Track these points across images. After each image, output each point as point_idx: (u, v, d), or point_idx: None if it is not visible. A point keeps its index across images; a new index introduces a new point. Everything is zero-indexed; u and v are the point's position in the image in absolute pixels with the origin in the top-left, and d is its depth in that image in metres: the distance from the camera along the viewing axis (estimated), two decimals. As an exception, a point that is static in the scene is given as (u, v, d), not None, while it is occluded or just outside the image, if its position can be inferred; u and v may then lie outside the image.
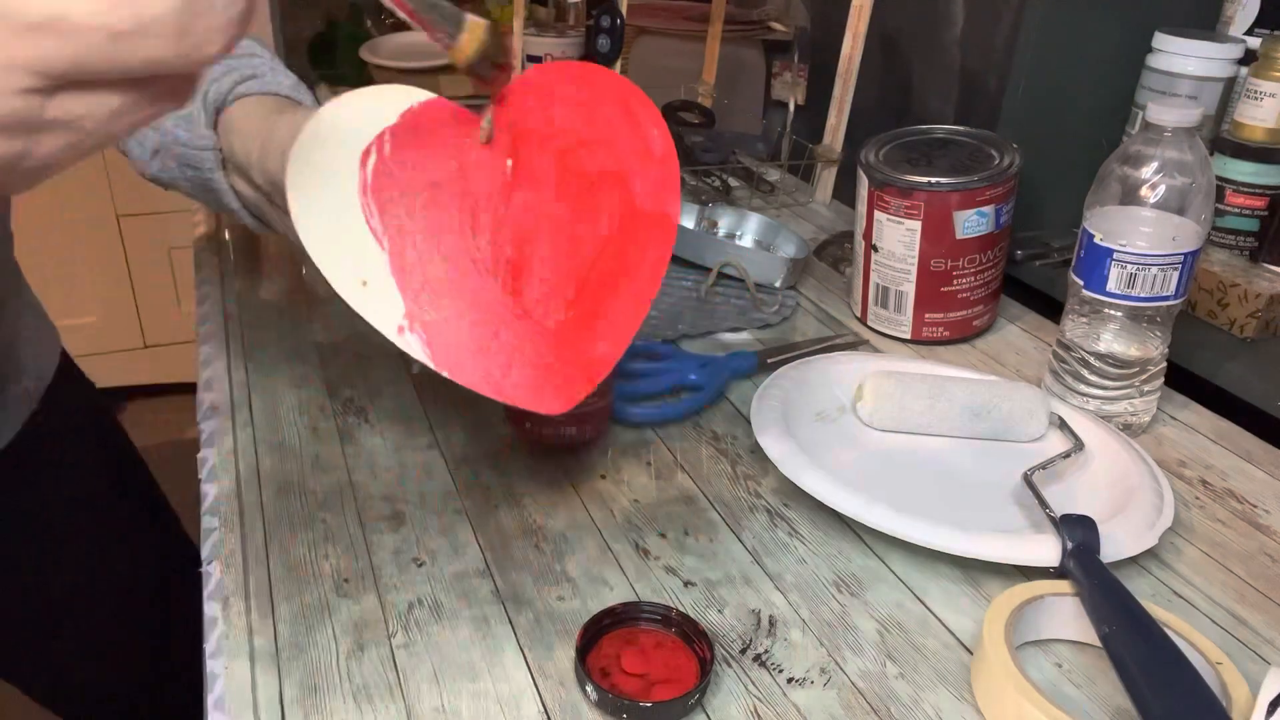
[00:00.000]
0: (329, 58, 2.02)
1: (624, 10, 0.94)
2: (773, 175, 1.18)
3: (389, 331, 0.46)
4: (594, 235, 0.49)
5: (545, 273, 0.48)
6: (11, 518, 0.72)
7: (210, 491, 0.60)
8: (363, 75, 1.98)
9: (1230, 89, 0.85)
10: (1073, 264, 0.68)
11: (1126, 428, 0.70)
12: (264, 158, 0.56)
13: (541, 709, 0.46)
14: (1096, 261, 0.66)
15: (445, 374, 0.46)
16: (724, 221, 1.00)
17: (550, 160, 0.50)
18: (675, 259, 0.94)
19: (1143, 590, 0.56)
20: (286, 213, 0.48)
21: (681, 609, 0.51)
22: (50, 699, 0.84)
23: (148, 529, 0.84)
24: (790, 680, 0.48)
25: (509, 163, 0.50)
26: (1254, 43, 0.84)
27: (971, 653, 0.50)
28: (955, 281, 0.80)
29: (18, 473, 0.71)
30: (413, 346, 0.46)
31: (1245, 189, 0.83)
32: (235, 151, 0.60)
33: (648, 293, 0.47)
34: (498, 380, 0.46)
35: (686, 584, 0.54)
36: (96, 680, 0.83)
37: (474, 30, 0.47)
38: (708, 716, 0.46)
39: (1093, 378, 0.69)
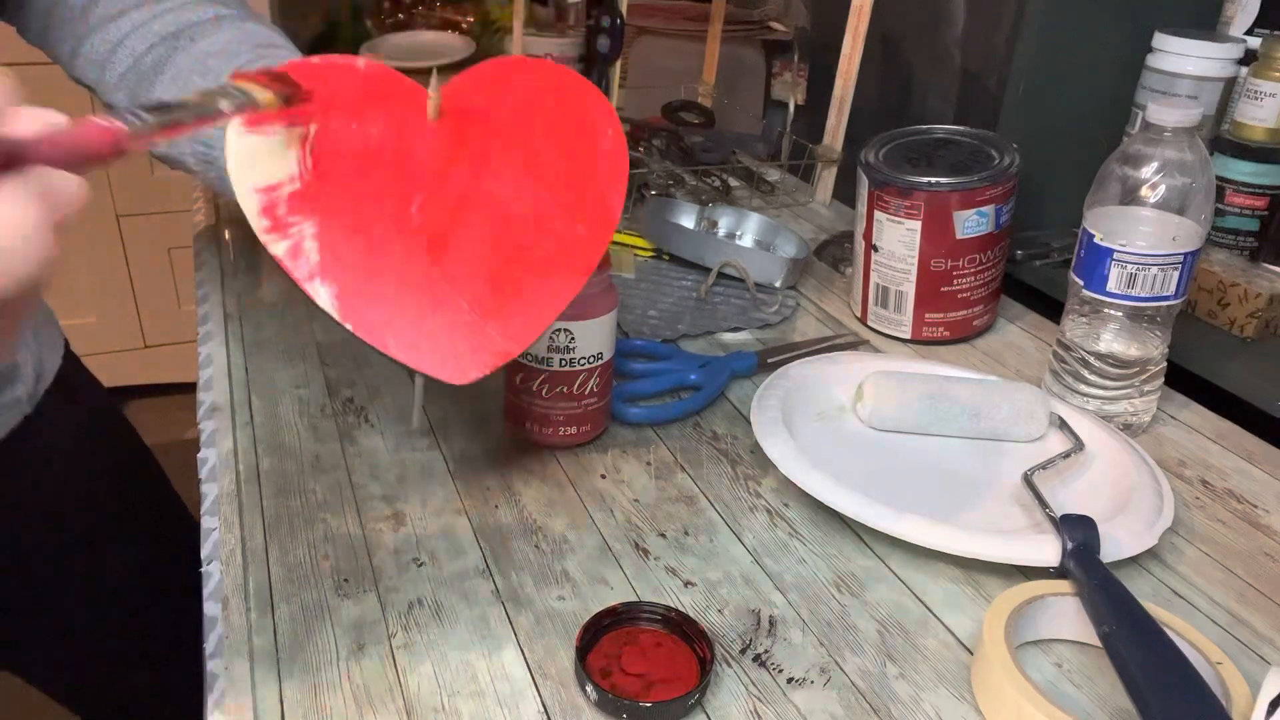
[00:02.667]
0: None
1: (624, 10, 0.94)
2: (773, 175, 1.18)
3: (300, 277, 0.46)
4: (527, 221, 0.49)
5: (472, 249, 0.47)
6: (17, 510, 0.72)
7: (210, 491, 0.60)
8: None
9: (1230, 89, 0.85)
10: (1073, 264, 0.68)
11: (1126, 428, 0.70)
12: None
13: (541, 709, 0.46)
14: (1096, 261, 0.66)
15: (349, 328, 0.46)
16: (724, 221, 1.00)
17: (495, 144, 0.50)
18: (675, 259, 0.94)
19: (1143, 590, 0.56)
20: None
21: (681, 609, 0.51)
22: (58, 692, 0.84)
23: (156, 524, 0.85)
24: (790, 680, 0.48)
25: (453, 141, 0.50)
26: (1254, 43, 0.84)
27: (971, 653, 0.50)
28: (955, 281, 0.80)
29: (21, 466, 0.71)
30: (320, 296, 0.46)
31: (1245, 189, 0.83)
32: None
33: (566, 292, 0.47)
34: (404, 342, 0.46)
35: (686, 584, 0.54)
36: (104, 673, 0.83)
37: (248, 85, 0.45)
38: (708, 716, 0.46)
39: (1093, 378, 0.69)
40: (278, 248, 0.46)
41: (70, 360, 0.78)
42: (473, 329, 0.46)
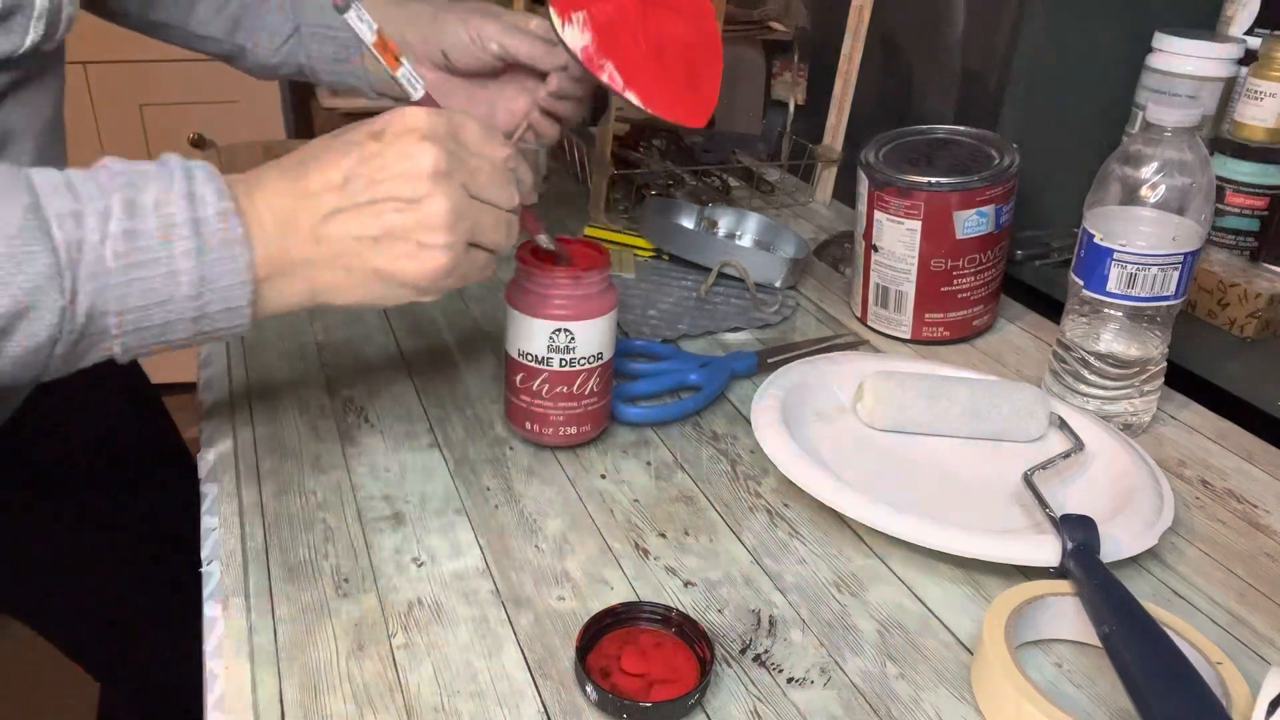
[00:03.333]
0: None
1: (624, 10, 0.94)
2: (773, 175, 1.18)
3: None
4: (689, 46, 0.69)
5: (674, 56, 0.67)
6: (41, 447, 0.72)
7: (210, 491, 0.60)
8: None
9: (1230, 89, 0.85)
10: (1073, 264, 0.68)
11: (1126, 428, 0.70)
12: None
13: (541, 709, 0.46)
14: (1096, 261, 0.66)
15: (631, 96, 0.64)
16: (724, 221, 1.00)
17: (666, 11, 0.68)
18: (675, 259, 0.94)
19: (1143, 590, 0.56)
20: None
21: (681, 609, 0.51)
22: (66, 644, 0.84)
23: (169, 470, 0.85)
24: (790, 680, 0.48)
25: None
26: (1254, 43, 0.84)
27: (971, 653, 0.50)
28: (955, 281, 0.80)
29: (42, 407, 0.71)
30: (606, 70, 0.63)
31: (1245, 189, 0.83)
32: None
33: (715, 80, 0.69)
34: (659, 102, 0.65)
35: (686, 584, 0.54)
36: (114, 629, 0.83)
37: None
38: (708, 716, 0.46)
39: (1093, 378, 0.69)
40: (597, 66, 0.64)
41: None
42: (685, 92, 0.67)
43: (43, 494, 0.74)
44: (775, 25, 1.35)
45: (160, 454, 0.86)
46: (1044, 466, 0.62)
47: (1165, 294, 0.65)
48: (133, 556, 0.81)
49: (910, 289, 0.81)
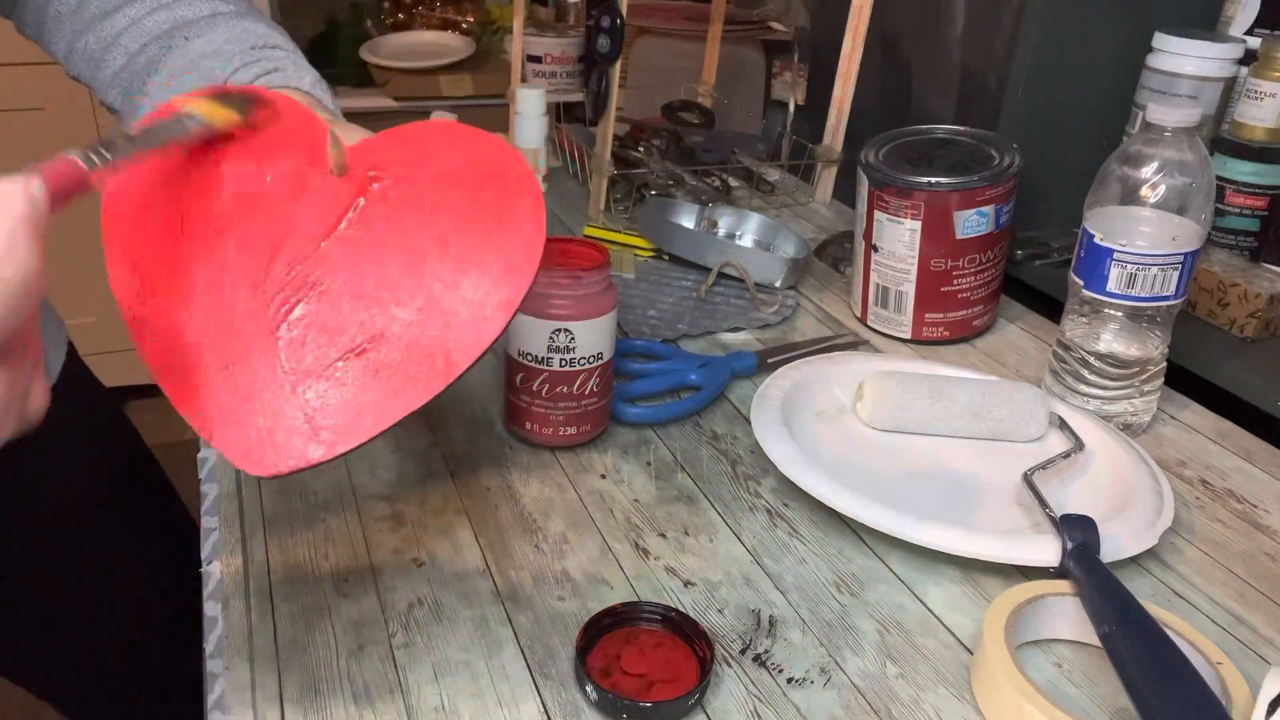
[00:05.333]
0: (329, 57, 2.03)
1: (624, 10, 0.94)
2: (773, 175, 1.18)
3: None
4: (390, 323, 0.43)
5: (323, 345, 0.43)
6: (14, 513, 0.72)
7: (210, 491, 0.60)
8: (363, 75, 1.98)
9: (1230, 89, 0.85)
10: (1073, 264, 0.68)
11: (1126, 428, 0.70)
12: None
13: (541, 709, 0.46)
14: (1096, 261, 0.66)
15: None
16: (724, 221, 1.00)
17: (393, 220, 0.46)
18: (675, 259, 0.94)
19: (1143, 590, 0.56)
20: None
21: (681, 609, 0.51)
22: (49, 693, 0.84)
23: (156, 525, 0.84)
24: (790, 680, 0.48)
25: (360, 201, 0.46)
26: (1254, 43, 0.84)
27: (971, 653, 0.50)
28: (955, 281, 0.80)
29: (20, 468, 0.71)
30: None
31: (1245, 189, 0.83)
32: None
33: (391, 415, 0.41)
34: (214, 416, 0.43)
35: (686, 584, 0.54)
36: (102, 678, 0.83)
37: (200, 104, 0.46)
38: (708, 716, 0.46)
39: (1093, 378, 0.69)
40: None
41: (74, 359, 0.78)
42: (296, 430, 0.42)
43: (24, 539, 0.74)
44: (775, 25, 1.35)
45: (150, 506, 0.85)
46: (1044, 466, 0.62)
47: (1165, 294, 0.65)
48: (120, 605, 0.81)
49: (910, 289, 0.81)
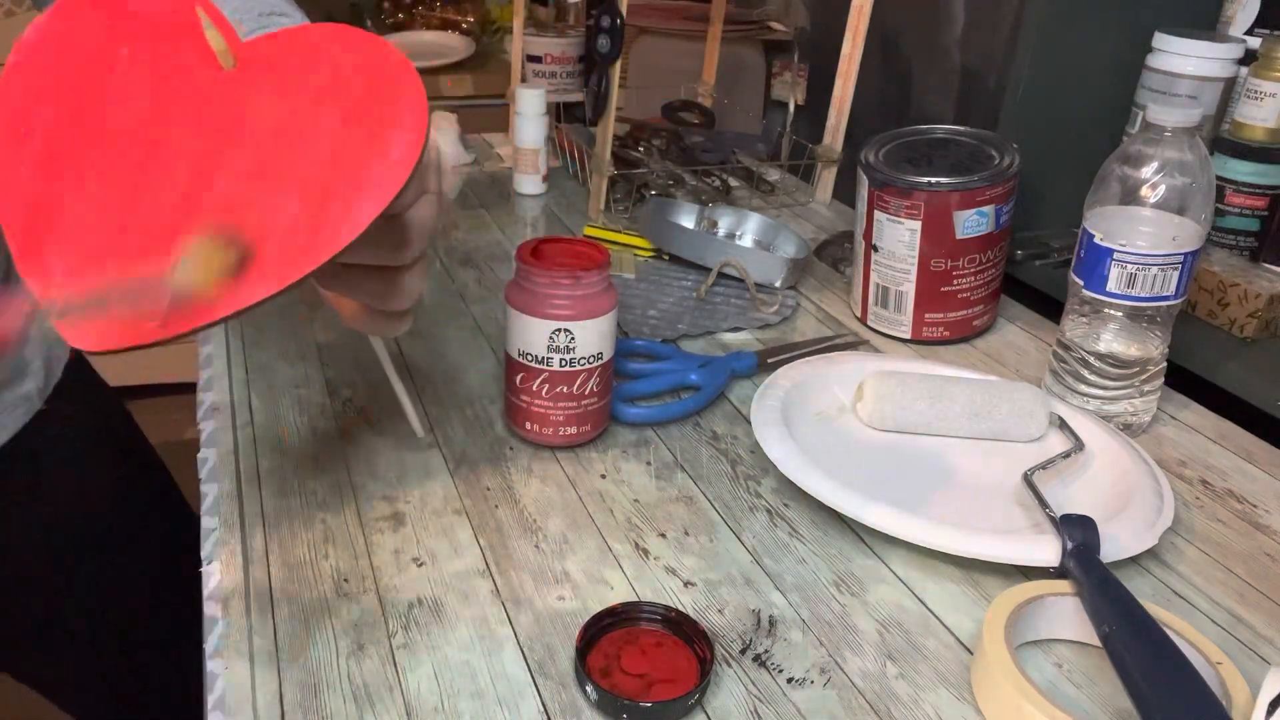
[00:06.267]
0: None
1: (624, 10, 0.94)
2: (773, 175, 1.18)
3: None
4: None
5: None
6: (17, 509, 0.72)
7: (210, 491, 0.60)
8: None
9: (1230, 89, 0.85)
10: (1073, 264, 0.68)
11: (1126, 428, 0.70)
12: None
13: (541, 709, 0.46)
14: (1096, 261, 0.66)
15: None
16: (724, 221, 1.00)
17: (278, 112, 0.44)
18: (675, 259, 0.94)
19: (1143, 590, 0.56)
20: None
21: (681, 609, 0.51)
22: (55, 693, 0.84)
23: (160, 526, 0.85)
24: (790, 680, 0.48)
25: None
26: (1254, 43, 0.84)
27: (971, 653, 0.50)
28: (955, 281, 0.80)
29: (25, 469, 0.71)
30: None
31: (1245, 189, 0.83)
32: None
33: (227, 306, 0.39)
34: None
35: (686, 584, 0.54)
36: (103, 676, 0.83)
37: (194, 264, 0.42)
38: (708, 716, 0.46)
39: (1093, 378, 0.69)
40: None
41: (78, 357, 0.79)
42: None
43: (29, 538, 0.74)
44: (775, 25, 1.35)
45: (153, 504, 0.85)
46: (1044, 466, 0.62)
47: (1165, 294, 0.65)
48: (123, 602, 0.81)
49: (910, 289, 0.81)
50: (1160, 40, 0.85)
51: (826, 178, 1.14)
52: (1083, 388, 0.70)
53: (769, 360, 0.76)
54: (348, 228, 0.40)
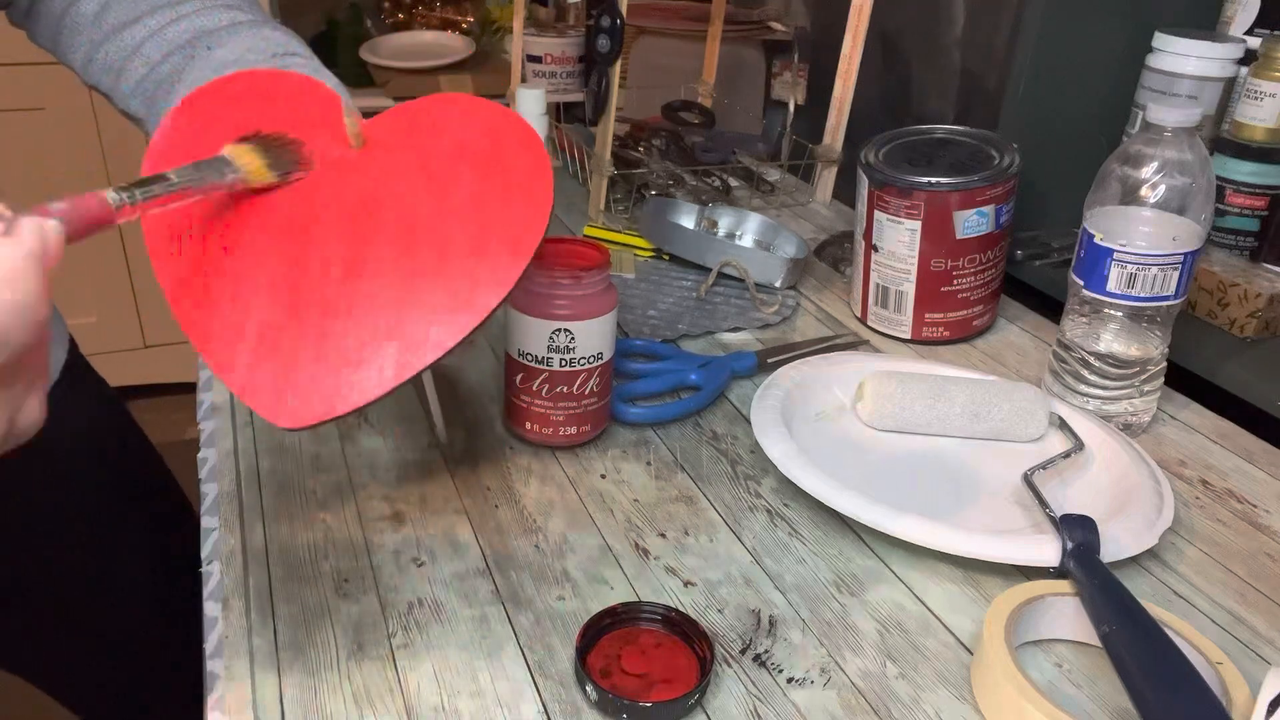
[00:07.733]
0: (329, 57, 2.03)
1: (624, 10, 0.94)
2: (773, 175, 1.18)
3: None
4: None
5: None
6: (19, 512, 0.72)
7: (210, 491, 0.60)
8: (363, 75, 1.98)
9: (1230, 89, 0.85)
10: (1073, 264, 0.68)
11: (1126, 428, 0.70)
12: None
13: (541, 709, 0.46)
14: (1096, 261, 0.66)
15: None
16: (724, 221, 1.00)
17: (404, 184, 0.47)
18: (675, 259, 0.94)
19: (1143, 590, 0.56)
20: None
21: (681, 609, 0.51)
22: (57, 690, 0.84)
23: (160, 525, 0.85)
24: (790, 680, 0.48)
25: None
26: (1254, 43, 0.84)
27: (971, 653, 0.50)
28: (955, 281, 0.80)
29: (30, 460, 0.71)
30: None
31: (1245, 189, 0.83)
32: None
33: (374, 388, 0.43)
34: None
35: (686, 584, 0.54)
36: (106, 674, 0.83)
37: (243, 155, 0.47)
38: (708, 716, 0.46)
39: (1093, 378, 0.69)
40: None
41: (76, 355, 0.79)
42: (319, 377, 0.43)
43: (30, 535, 0.74)
44: (775, 25, 1.35)
45: (154, 502, 0.85)
46: (1044, 466, 0.62)
47: (1165, 294, 0.65)
48: (124, 601, 0.81)
49: (910, 289, 0.81)
50: (1160, 40, 0.85)
51: (826, 178, 1.14)
52: (1083, 388, 0.70)
53: (769, 360, 0.76)
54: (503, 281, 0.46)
